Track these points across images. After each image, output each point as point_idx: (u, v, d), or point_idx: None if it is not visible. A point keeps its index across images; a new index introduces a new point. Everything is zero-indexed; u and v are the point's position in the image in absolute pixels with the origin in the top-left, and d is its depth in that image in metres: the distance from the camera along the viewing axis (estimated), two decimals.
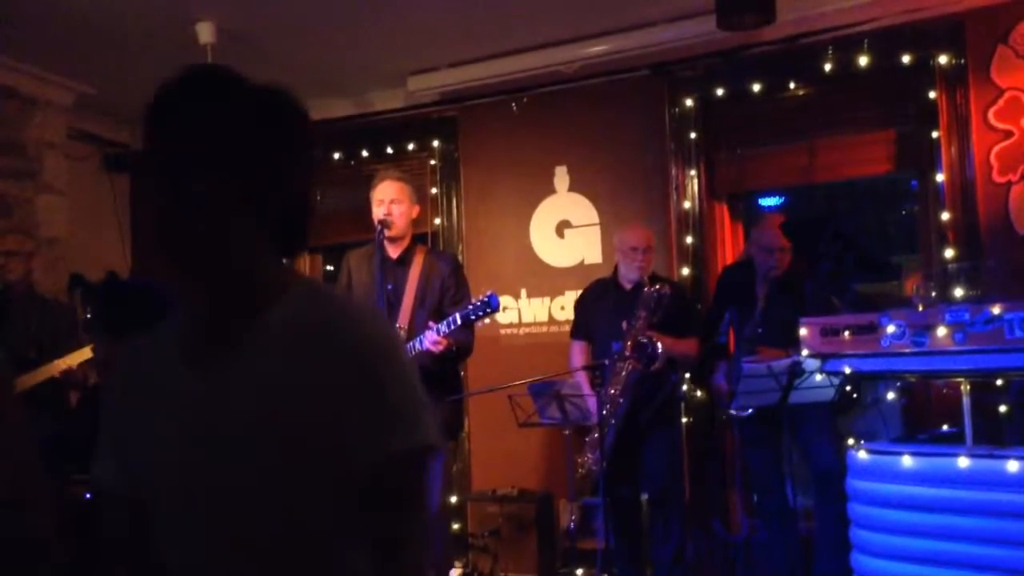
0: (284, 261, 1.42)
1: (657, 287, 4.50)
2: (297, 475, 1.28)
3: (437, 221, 6.08)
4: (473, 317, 4.01)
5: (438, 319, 4.10)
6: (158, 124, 1.32)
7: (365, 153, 6.36)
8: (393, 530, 1.34)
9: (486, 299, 3.98)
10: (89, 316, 6.06)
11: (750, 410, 4.18)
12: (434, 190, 6.14)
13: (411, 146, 6.25)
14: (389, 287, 4.24)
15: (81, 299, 6.22)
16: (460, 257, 5.62)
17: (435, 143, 6.17)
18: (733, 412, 4.29)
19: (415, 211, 4.45)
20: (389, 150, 6.30)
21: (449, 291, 4.30)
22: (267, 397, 1.29)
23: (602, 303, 4.80)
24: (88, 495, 5.24)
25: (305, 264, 6.78)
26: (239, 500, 1.29)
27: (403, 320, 4.23)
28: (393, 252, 4.35)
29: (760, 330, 4.41)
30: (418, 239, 4.53)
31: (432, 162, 6.21)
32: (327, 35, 5.31)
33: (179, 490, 1.33)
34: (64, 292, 6.00)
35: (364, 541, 1.33)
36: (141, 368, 1.42)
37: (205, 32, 5.05)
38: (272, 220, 1.34)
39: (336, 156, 6.44)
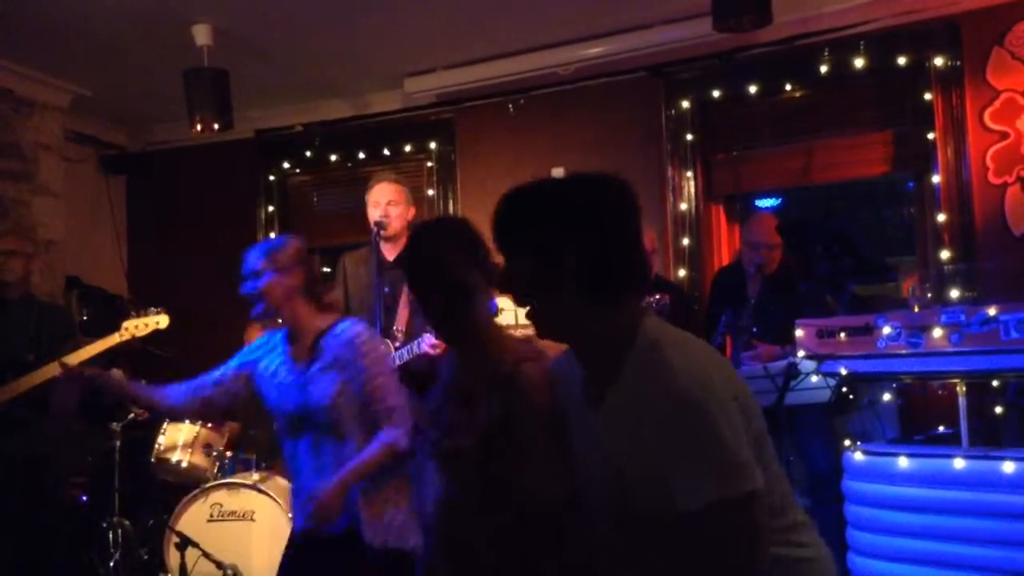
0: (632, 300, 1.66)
1: (657, 297, 4.48)
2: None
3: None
4: None
5: None
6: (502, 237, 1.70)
7: (362, 155, 6.36)
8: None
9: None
10: (85, 318, 6.06)
11: None
12: (431, 192, 6.14)
13: (408, 148, 6.25)
14: (386, 290, 4.24)
15: (77, 301, 6.22)
16: None
17: (432, 145, 6.17)
18: None
19: (411, 212, 4.45)
20: (386, 152, 6.30)
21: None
22: (612, 444, 1.62)
23: None
24: (83, 497, 5.24)
25: None
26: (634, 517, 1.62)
27: (400, 323, 4.23)
28: (389, 254, 4.35)
29: (755, 329, 4.42)
30: None
31: (429, 164, 6.21)
32: (324, 37, 5.31)
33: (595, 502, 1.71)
34: (61, 294, 6.00)
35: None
36: (572, 394, 1.76)
37: (202, 34, 5.05)
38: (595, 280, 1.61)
39: (333, 158, 6.44)
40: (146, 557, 5.03)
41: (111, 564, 4.96)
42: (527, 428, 1.86)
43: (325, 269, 6.67)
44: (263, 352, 3.01)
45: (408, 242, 2.14)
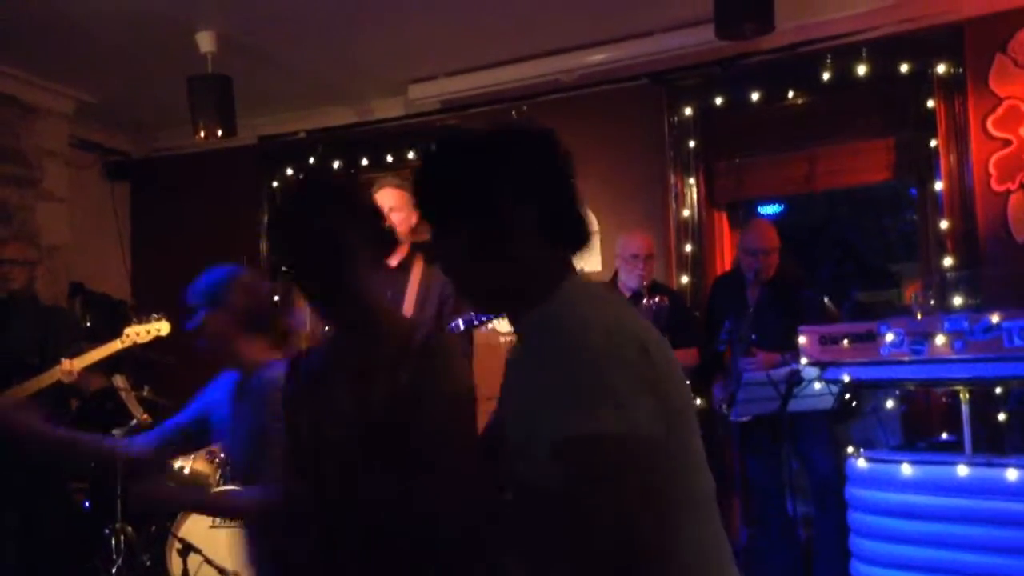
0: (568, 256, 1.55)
1: (656, 299, 4.48)
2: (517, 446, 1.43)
3: None
4: (476, 323, 4.01)
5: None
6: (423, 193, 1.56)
7: (365, 161, 6.37)
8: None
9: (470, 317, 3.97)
10: (89, 324, 6.07)
11: (746, 417, 4.18)
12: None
13: (411, 154, 6.25)
14: (388, 295, 4.24)
15: (81, 307, 6.23)
16: None
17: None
18: (732, 419, 4.29)
19: (414, 218, 4.44)
20: (389, 158, 6.30)
21: (449, 299, 4.29)
22: (505, 393, 1.55)
23: None
24: (86, 504, 5.24)
25: None
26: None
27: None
28: (392, 260, 4.34)
29: (754, 336, 4.42)
30: (417, 247, 4.53)
31: None
32: (327, 44, 5.33)
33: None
34: (65, 299, 6.01)
35: None
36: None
37: (206, 41, 5.07)
38: (547, 227, 1.51)
39: (336, 164, 6.45)
40: (148, 563, 5.03)
41: (113, 571, 4.96)
42: (441, 413, 1.71)
43: None
44: (218, 392, 2.67)
45: (283, 202, 1.92)
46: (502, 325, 5.74)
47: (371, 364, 1.79)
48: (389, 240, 1.90)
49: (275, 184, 6.64)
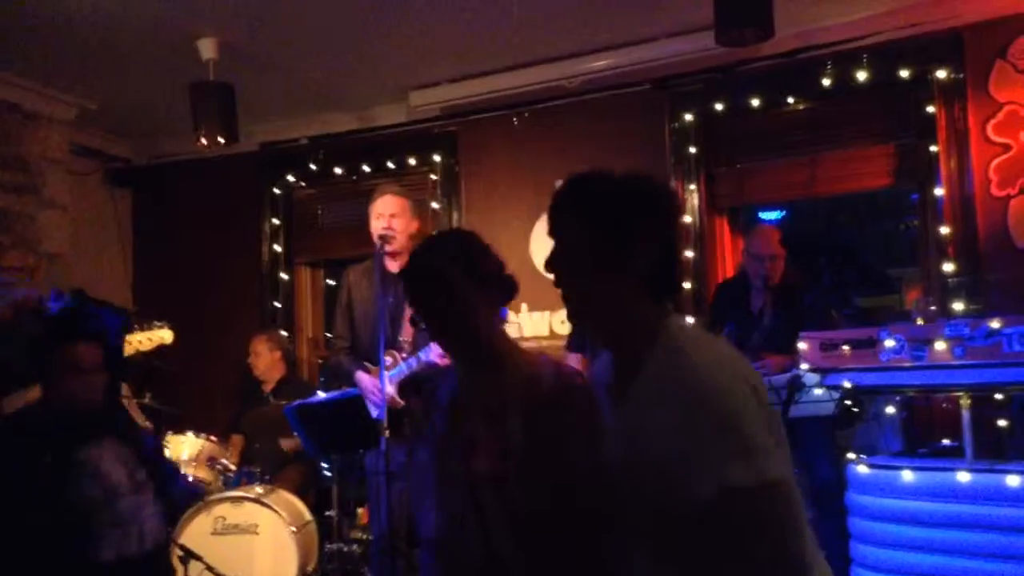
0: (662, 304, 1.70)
1: None
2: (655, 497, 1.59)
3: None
4: None
5: None
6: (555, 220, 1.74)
7: (366, 168, 6.38)
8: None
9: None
10: None
11: None
12: (435, 205, 6.16)
13: (412, 161, 6.27)
14: (390, 300, 4.25)
15: None
16: None
17: (436, 158, 6.19)
18: None
19: (415, 225, 4.46)
20: (390, 165, 6.32)
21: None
22: (635, 437, 1.63)
23: None
24: None
25: (307, 279, 6.81)
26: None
27: (406, 333, 4.24)
28: (393, 267, 4.36)
29: (759, 342, 4.42)
30: None
31: (433, 177, 6.23)
32: (329, 51, 5.34)
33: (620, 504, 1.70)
34: None
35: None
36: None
37: (207, 48, 5.08)
38: (645, 276, 1.67)
39: (338, 171, 6.46)
40: None
41: None
42: (576, 447, 1.84)
43: (329, 282, 6.70)
44: None
45: (410, 256, 2.13)
46: (518, 324, 5.71)
47: (502, 402, 1.97)
48: (509, 286, 2.09)
49: (276, 191, 6.66)
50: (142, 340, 4.50)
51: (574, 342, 4.93)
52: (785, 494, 1.52)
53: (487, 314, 2.02)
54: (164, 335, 4.54)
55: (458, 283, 1.98)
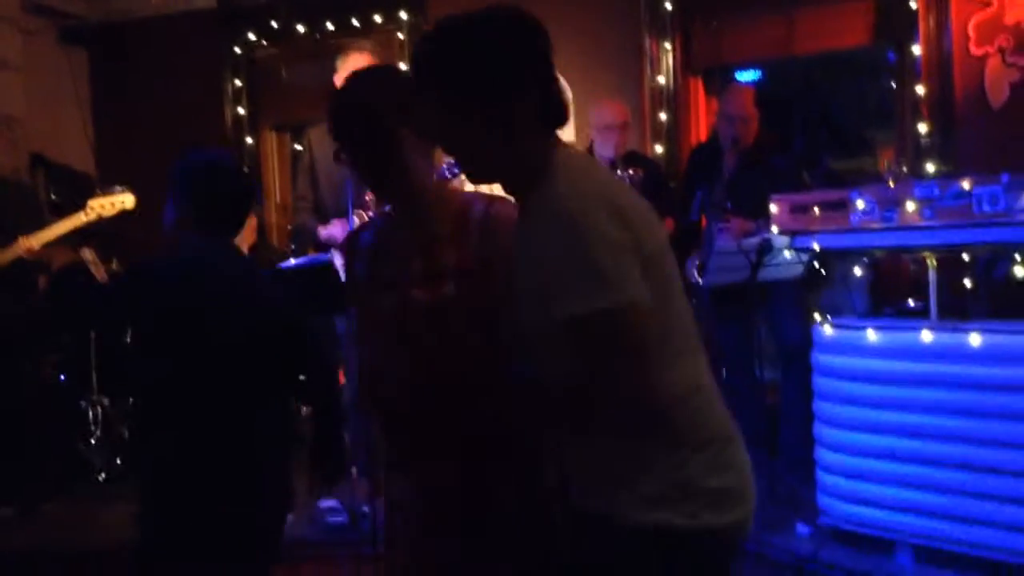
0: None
1: (629, 171, 4.42)
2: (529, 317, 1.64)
3: None
4: (448, 176, 3.93)
5: None
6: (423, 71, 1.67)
7: (331, 26, 6.16)
8: None
9: (451, 162, 3.89)
10: (53, 197, 5.95)
11: (717, 284, 4.20)
12: (402, 65, 5.98)
13: (378, 18, 6.06)
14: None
15: (44, 180, 6.10)
16: None
17: (403, 15, 5.98)
18: (703, 286, 4.32)
19: None
20: (355, 22, 6.10)
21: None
22: (515, 270, 1.69)
23: None
24: (61, 376, 5.25)
25: (272, 143, 6.66)
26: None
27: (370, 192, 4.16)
28: None
29: (729, 204, 4.40)
30: None
31: (400, 36, 6.03)
32: None
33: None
34: (26, 172, 5.87)
35: None
36: None
37: None
38: (542, 111, 1.65)
39: (300, 29, 6.24)
40: (127, 435, 5.09)
41: (91, 442, 5.01)
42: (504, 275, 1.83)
43: (297, 147, 6.56)
44: None
45: (335, 93, 2.00)
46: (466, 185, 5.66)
47: (434, 237, 1.94)
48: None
49: (237, 50, 6.43)
50: (104, 205, 4.40)
51: None
52: (639, 318, 1.52)
53: (419, 156, 1.93)
54: (126, 200, 4.43)
55: (390, 119, 1.89)
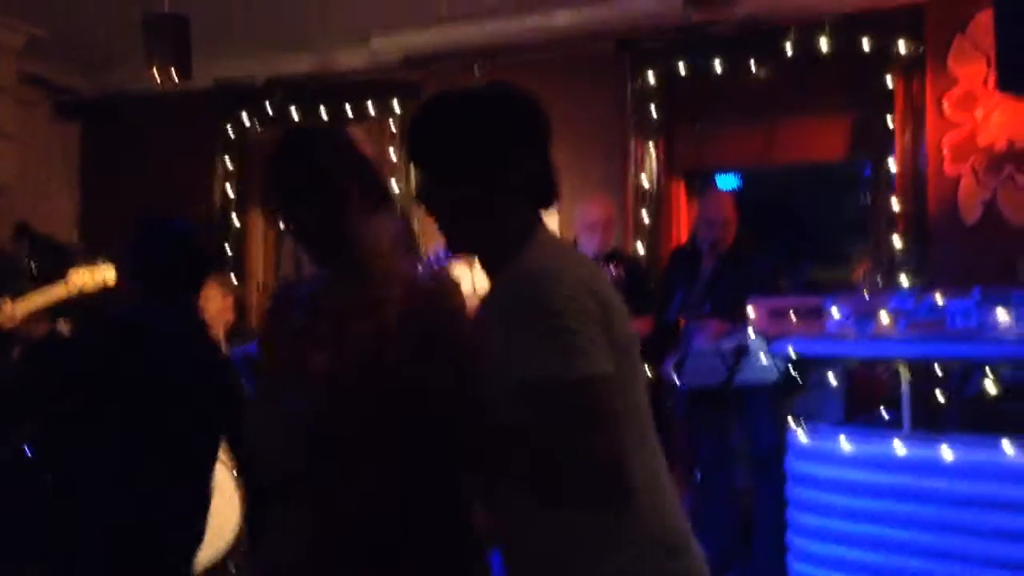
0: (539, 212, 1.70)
1: (612, 269, 4.47)
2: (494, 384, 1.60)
3: (396, 186, 6.02)
4: (436, 267, 3.95)
5: None
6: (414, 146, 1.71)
7: (324, 112, 6.26)
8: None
9: (437, 255, 3.92)
10: (34, 266, 5.93)
11: (693, 386, 4.21)
12: (393, 155, 6.07)
13: (372, 108, 6.17)
14: None
15: (28, 249, 6.08)
16: (415, 224, 5.58)
17: (396, 106, 6.10)
18: (680, 387, 4.34)
19: None
20: (349, 110, 6.21)
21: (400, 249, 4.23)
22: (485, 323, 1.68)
23: None
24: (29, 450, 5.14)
25: (259, 224, 6.70)
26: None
27: None
28: None
29: (707, 306, 4.45)
30: None
31: (392, 125, 6.14)
32: None
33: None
34: (10, 240, 5.86)
35: None
36: None
37: None
38: (528, 187, 1.67)
39: (294, 114, 6.34)
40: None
41: None
42: (455, 345, 1.76)
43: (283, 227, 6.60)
44: None
45: (279, 150, 1.91)
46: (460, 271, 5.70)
47: (371, 303, 1.84)
48: (382, 187, 1.95)
49: (230, 131, 6.52)
50: (85, 278, 4.39)
51: None
52: (604, 391, 1.50)
53: (361, 216, 1.86)
54: (108, 274, 4.42)
55: (335, 176, 1.83)
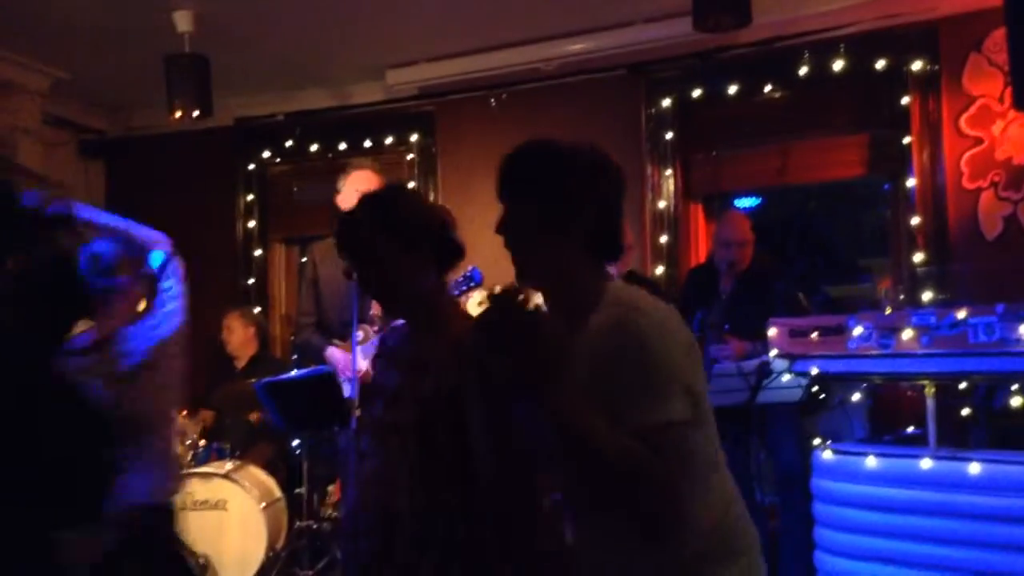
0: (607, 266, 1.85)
1: None
2: None
3: None
4: (456, 293, 3.98)
5: None
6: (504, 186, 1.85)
7: (343, 146, 6.35)
8: None
9: (468, 274, 3.96)
10: None
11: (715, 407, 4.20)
12: (411, 184, 6.13)
13: (389, 140, 6.24)
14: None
15: None
16: None
17: (413, 137, 6.17)
18: None
19: None
20: (367, 144, 6.29)
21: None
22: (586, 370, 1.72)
23: None
24: None
25: (281, 256, 6.78)
26: None
27: (376, 307, 4.21)
28: None
29: (727, 326, 4.45)
30: None
31: (409, 156, 6.21)
32: (306, 26, 5.30)
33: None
34: None
35: None
36: None
37: (183, 21, 5.03)
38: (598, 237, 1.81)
39: (313, 148, 6.42)
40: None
41: None
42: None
43: (304, 260, 6.67)
44: None
45: (340, 225, 2.15)
46: (478, 313, 5.72)
47: (425, 358, 2.05)
48: (449, 245, 2.15)
49: (251, 167, 6.62)
50: None
51: None
52: (681, 436, 1.65)
53: (414, 273, 2.07)
54: None
55: (380, 247, 2.04)
